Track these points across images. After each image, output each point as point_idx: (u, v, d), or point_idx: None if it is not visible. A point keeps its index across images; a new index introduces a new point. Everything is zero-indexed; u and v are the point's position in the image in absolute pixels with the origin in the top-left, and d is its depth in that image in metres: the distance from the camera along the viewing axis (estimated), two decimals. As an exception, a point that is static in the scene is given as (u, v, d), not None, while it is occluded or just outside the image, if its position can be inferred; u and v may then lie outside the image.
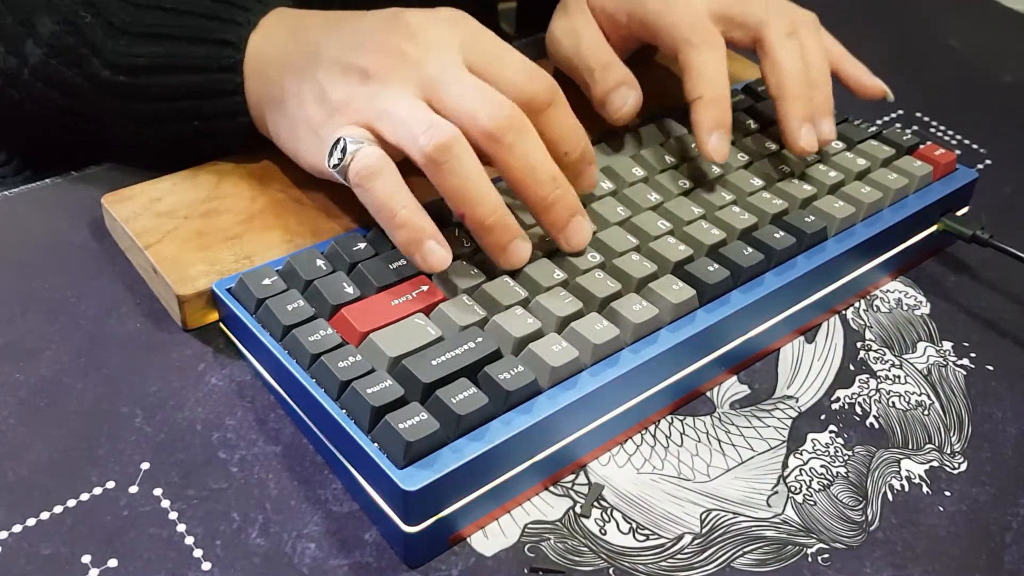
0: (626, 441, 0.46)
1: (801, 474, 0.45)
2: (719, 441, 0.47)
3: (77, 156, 0.57)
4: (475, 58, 0.47)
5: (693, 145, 0.56)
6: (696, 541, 0.42)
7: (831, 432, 0.47)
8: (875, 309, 0.54)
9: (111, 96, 0.52)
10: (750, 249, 0.49)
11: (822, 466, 0.46)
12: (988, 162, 0.66)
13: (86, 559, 0.39)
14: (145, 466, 0.43)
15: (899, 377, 0.50)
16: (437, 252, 0.44)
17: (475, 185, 0.44)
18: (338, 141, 0.45)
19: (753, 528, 0.43)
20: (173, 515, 0.41)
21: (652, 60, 0.66)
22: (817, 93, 0.55)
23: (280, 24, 0.51)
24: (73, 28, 0.51)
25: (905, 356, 0.52)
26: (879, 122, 0.68)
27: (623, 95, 0.55)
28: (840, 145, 0.58)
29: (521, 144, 0.45)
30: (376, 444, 0.39)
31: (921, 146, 0.58)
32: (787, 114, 0.54)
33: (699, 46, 0.53)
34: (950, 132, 0.69)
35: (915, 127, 0.69)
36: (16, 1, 0.52)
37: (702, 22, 0.54)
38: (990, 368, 0.51)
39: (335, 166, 0.45)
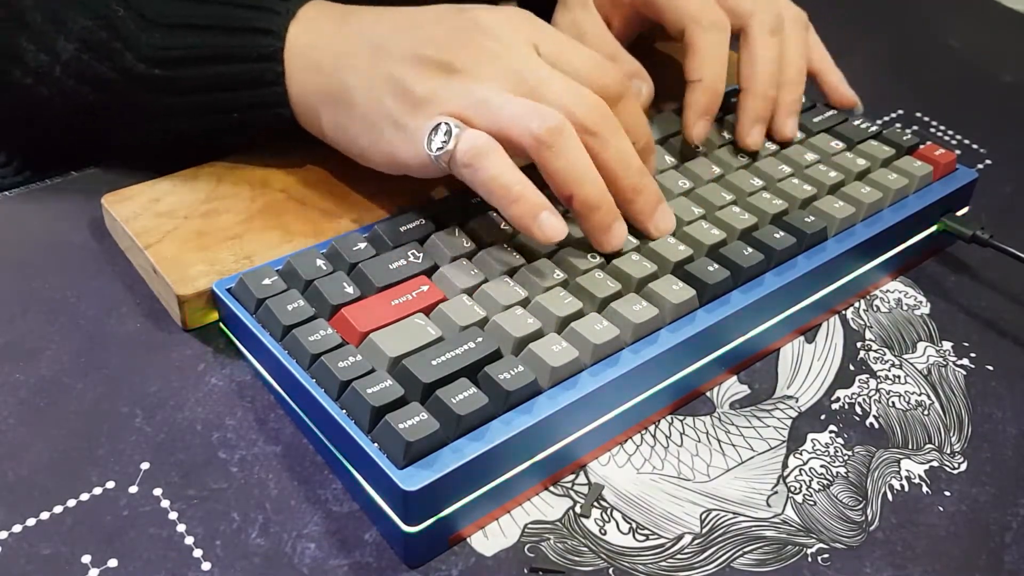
0: (626, 441, 0.46)
1: (801, 474, 0.45)
2: (719, 441, 0.47)
3: (77, 156, 0.57)
4: (548, 53, 0.48)
5: (693, 145, 0.56)
6: (696, 541, 0.42)
7: (831, 432, 0.47)
8: (875, 309, 0.54)
9: (146, 90, 0.51)
10: (750, 249, 0.49)
11: (822, 466, 0.46)
12: (988, 162, 0.66)
13: (86, 559, 0.39)
14: (145, 466, 0.43)
15: (899, 377, 0.50)
16: (552, 222, 0.45)
17: (583, 167, 0.46)
18: (439, 126, 0.45)
19: (753, 528, 0.43)
20: (173, 515, 0.41)
21: (654, 52, 0.65)
22: (789, 92, 0.57)
23: (323, 16, 0.51)
24: (105, 22, 0.50)
25: (905, 356, 0.52)
26: (879, 122, 0.68)
27: (635, 86, 0.56)
28: (840, 145, 0.58)
29: (613, 137, 0.47)
30: (376, 444, 0.39)
31: (921, 146, 0.58)
32: (745, 109, 0.56)
33: (707, 27, 0.54)
34: (950, 132, 0.69)
35: (915, 127, 0.69)
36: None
37: (710, 3, 0.55)
38: (990, 368, 0.51)
39: (439, 149, 0.45)
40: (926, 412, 0.49)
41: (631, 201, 0.48)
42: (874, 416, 0.48)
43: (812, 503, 0.44)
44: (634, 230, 0.50)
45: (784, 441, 0.47)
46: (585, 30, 0.58)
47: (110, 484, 0.42)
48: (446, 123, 0.45)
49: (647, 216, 0.49)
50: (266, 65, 0.50)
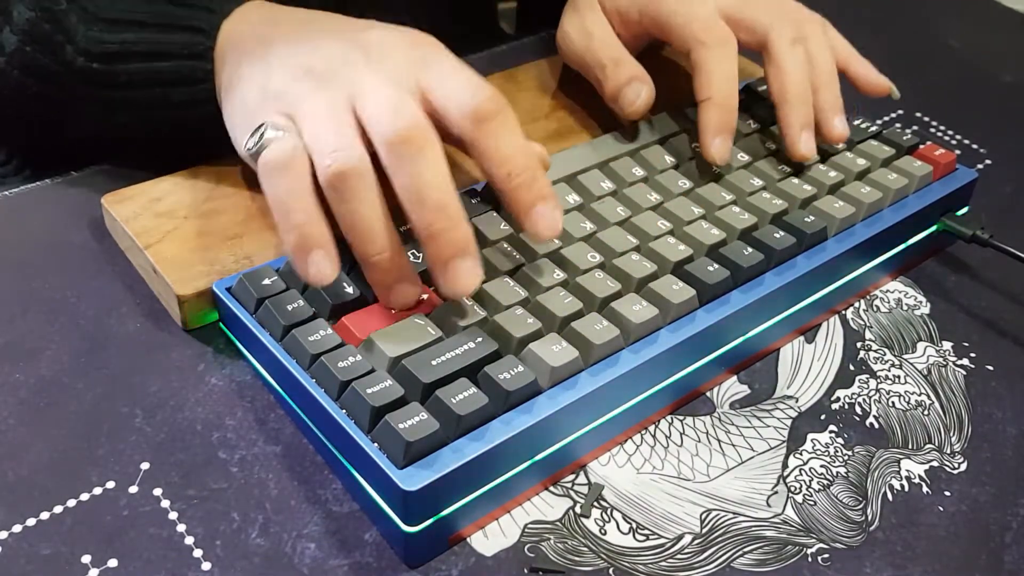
0: (626, 441, 0.46)
1: (801, 474, 0.45)
2: (719, 441, 0.47)
3: (77, 156, 0.57)
4: (426, 80, 0.45)
5: (693, 145, 0.56)
6: (696, 541, 0.42)
7: (831, 432, 0.47)
8: (875, 309, 0.54)
9: (85, 83, 0.52)
10: (750, 249, 0.49)
11: (822, 466, 0.46)
12: (988, 162, 0.66)
13: (86, 559, 0.39)
14: (145, 466, 0.43)
15: (899, 377, 0.50)
16: (321, 265, 0.42)
17: (367, 219, 0.42)
18: (260, 126, 0.44)
19: (753, 528, 0.43)
20: (173, 515, 0.41)
21: (659, 56, 0.66)
22: (826, 93, 0.55)
23: (254, 14, 0.51)
24: (48, 15, 0.51)
25: (905, 356, 0.52)
26: (879, 122, 0.68)
27: (635, 90, 0.56)
28: (840, 145, 0.58)
29: (414, 158, 0.42)
30: (376, 444, 0.39)
31: (921, 146, 0.58)
32: (787, 120, 0.54)
33: (712, 46, 0.54)
34: (950, 132, 0.69)
35: (915, 127, 0.69)
36: None
37: (716, 21, 0.55)
38: (990, 368, 0.51)
39: (249, 150, 0.44)
40: (926, 412, 0.49)
41: (423, 242, 0.42)
42: (874, 416, 0.48)
43: (812, 503, 0.44)
44: (634, 234, 0.50)
45: (784, 441, 0.47)
46: (592, 33, 0.58)
47: (110, 484, 0.42)
48: (267, 124, 0.44)
49: (440, 265, 0.42)
50: (196, 63, 0.50)
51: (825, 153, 0.57)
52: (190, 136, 0.53)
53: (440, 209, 0.41)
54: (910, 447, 0.47)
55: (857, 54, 0.59)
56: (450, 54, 0.47)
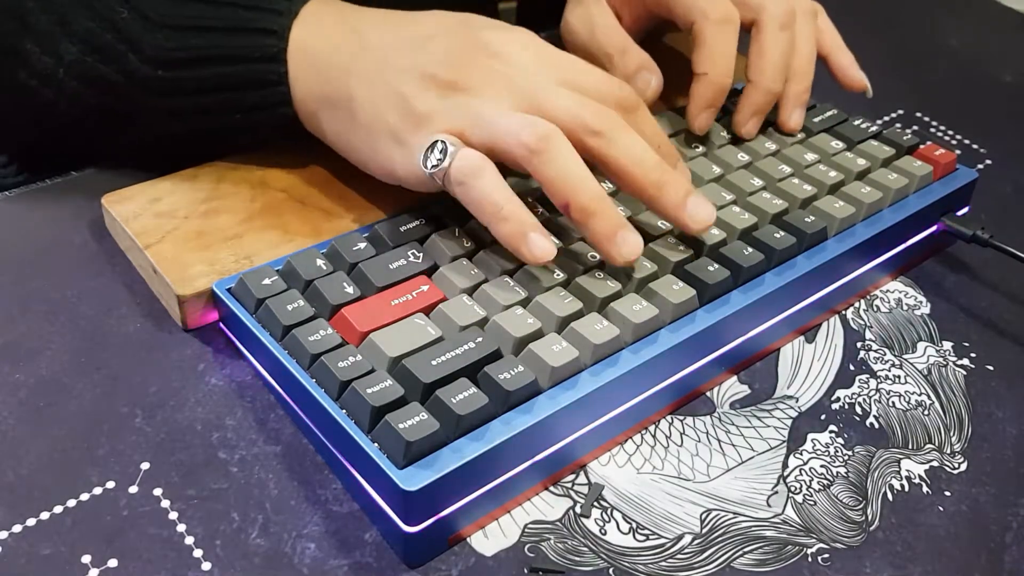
0: (626, 441, 0.46)
1: (801, 474, 0.45)
2: (719, 441, 0.47)
3: (78, 157, 0.57)
4: (561, 72, 0.48)
5: (693, 144, 0.56)
6: (696, 541, 0.42)
7: (831, 432, 0.47)
8: (875, 309, 0.54)
9: (150, 91, 0.51)
10: (750, 249, 0.49)
11: (822, 466, 0.46)
12: (988, 162, 0.66)
13: (86, 559, 0.39)
14: (145, 466, 0.43)
15: (899, 377, 0.50)
16: (541, 243, 0.45)
17: (576, 172, 0.45)
18: (435, 143, 0.45)
19: (753, 528, 0.43)
20: (173, 515, 0.41)
21: (659, 47, 0.66)
22: (796, 85, 0.57)
23: (327, 17, 0.51)
24: (109, 24, 0.50)
25: (905, 356, 0.52)
26: (879, 122, 0.68)
27: (644, 79, 0.56)
28: (840, 145, 0.58)
29: (621, 135, 0.46)
30: (376, 444, 0.39)
31: (921, 146, 0.58)
32: (747, 100, 0.57)
33: (716, 21, 0.55)
34: (950, 132, 0.69)
35: (915, 127, 0.69)
36: (51, 1, 0.51)
37: None
38: (990, 368, 0.51)
39: (434, 166, 0.45)
40: (926, 412, 0.49)
41: (655, 198, 0.47)
42: (874, 416, 0.48)
43: (812, 503, 0.44)
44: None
45: (784, 441, 0.47)
46: (596, 23, 0.59)
47: (110, 484, 0.42)
48: (442, 141, 0.45)
49: (679, 209, 0.47)
50: (269, 66, 0.50)
51: (825, 153, 0.57)
52: (250, 139, 0.53)
53: (659, 164, 0.47)
54: (910, 447, 0.47)
55: (843, 45, 0.60)
56: (558, 49, 0.50)
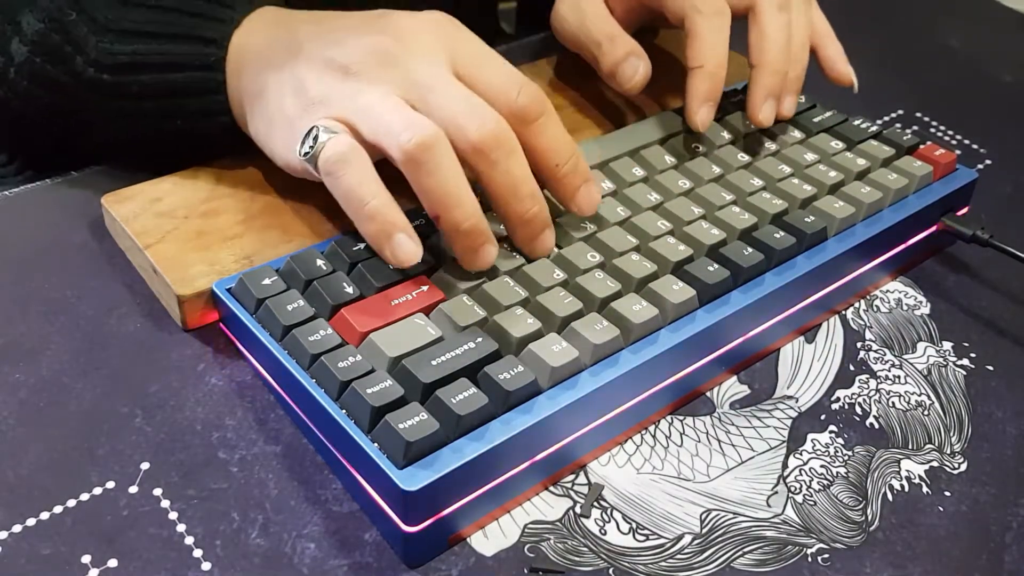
0: (626, 441, 0.46)
1: (801, 474, 0.45)
2: (719, 441, 0.47)
3: (78, 157, 0.57)
4: (463, 64, 0.46)
5: (694, 145, 0.56)
6: (696, 541, 0.42)
7: (831, 432, 0.47)
8: (875, 309, 0.54)
9: (95, 94, 0.52)
10: (750, 249, 0.49)
11: (822, 466, 0.46)
12: (988, 162, 0.66)
13: (86, 559, 0.39)
14: (145, 466, 0.43)
15: (899, 377, 0.50)
16: (406, 246, 0.44)
17: (454, 188, 0.43)
18: (311, 130, 0.45)
19: (753, 528, 0.43)
20: (173, 515, 0.41)
21: (653, 49, 0.66)
22: (791, 69, 0.57)
23: (264, 21, 0.51)
24: (58, 26, 0.51)
25: (905, 356, 0.52)
26: (879, 122, 0.68)
27: (633, 65, 0.56)
28: (840, 145, 0.58)
29: (506, 160, 0.44)
30: (376, 444, 0.39)
31: (921, 146, 0.58)
32: (758, 84, 0.56)
33: (708, 15, 0.55)
34: (950, 132, 0.69)
35: (915, 127, 0.69)
36: (4, 0, 0.52)
37: None
38: (990, 368, 0.51)
39: (306, 154, 0.44)
40: (926, 412, 0.49)
41: (519, 226, 0.46)
42: (874, 416, 0.48)
43: (812, 503, 0.44)
44: (634, 234, 0.50)
45: (784, 441, 0.47)
46: (586, 11, 0.59)
47: (110, 484, 0.42)
48: (319, 127, 0.44)
49: (528, 241, 0.47)
50: (208, 74, 0.50)
51: (825, 153, 0.57)
52: (200, 145, 0.53)
53: (532, 197, 0.46)
54: (910, 447, 0.47)
55: (834, 36, 0.60)
56: (474, 37, 0.48)
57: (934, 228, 0.57)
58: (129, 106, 0.52)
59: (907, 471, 0.46)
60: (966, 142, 0.68)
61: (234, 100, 0.51)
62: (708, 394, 0.49)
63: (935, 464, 0.46)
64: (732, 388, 0.49)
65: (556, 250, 0.48)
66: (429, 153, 0.43)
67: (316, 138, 0.44)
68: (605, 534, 0.42)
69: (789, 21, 0.56)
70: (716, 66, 0.54)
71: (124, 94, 0.51)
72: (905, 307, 0.55)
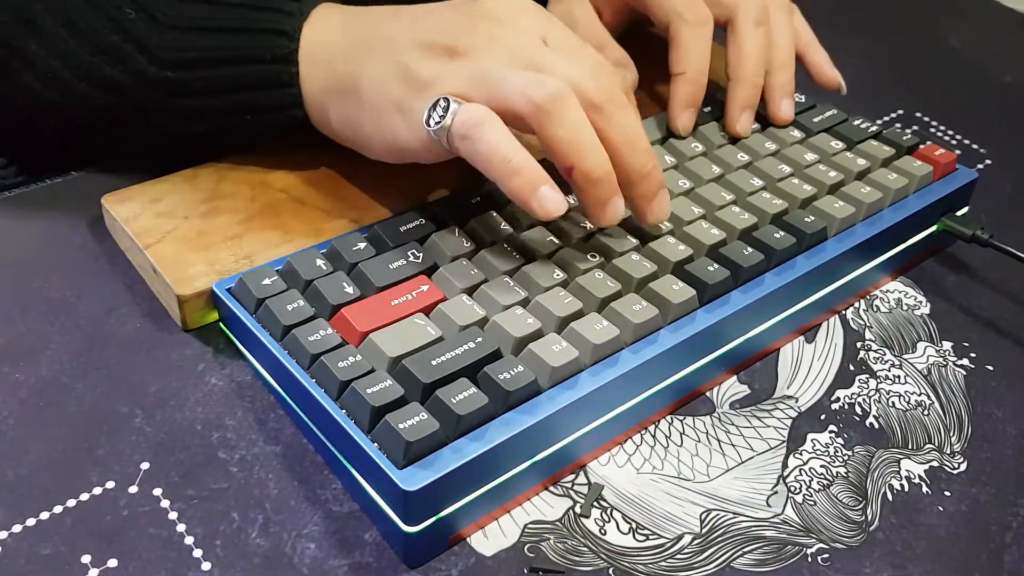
0: (626, 441, 0.46)
1: (801, 474, 0.45)
2: (719, 441, 0.47)
3: (79, 160, 0.57)
4: (556, 46, 0.48)
5: (693, 145, 0.56)
6: (696, 541, 0.42)
7: (831, 432, 0.47)
8: (875, 309, 0.54)
9: (158, 92, 0.51)
10: (750, 249, 0.49)
11: (822, 466, 0.46)
12: (988, 162, 0.66)
13: (86, 559, 0.39)
14: (145, 466, 0.43)
15: (899, 377, 0.50)
16: (552, 196, 0.44)
17: (588, 136, 0.45)
18: (437, 102, 0.45)
19: (753, 528, 0.43)
20: (173, 515, 0.41)
21: (652, 51, 0.66)
22: (780, 76, 0.58)
23: (333, 16, 0.51)
24: (116, 25, 0.50)
25: (905, 356, 0.52)
26: (879, 122, 0.68)
27: (619, 75, 0.57)
28: (840, 145, 0.58)
29: (621, 113, 0.46)
30: (376, 444, 0.39)
31: (921, 146, 0.58)
32: (733, 97, 0.58)
33: (691, 23, 0.56)
34: (950, 132, 0.69)
35: (915, 127, 0.69)
36: (56, 1, 0.51)
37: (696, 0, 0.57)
38: (990, 368, 0.51)
39: (437, 123, 0.45)
40: (926, 412, 0.49)
41: (635, 183, 0.47)
42: (874, 416, 0.48)
43: (812, 503, 0.44)
44: (634, 234, 0.50)
45: (784, 441, 0.47)
46: (576, 18, 0.60)
47: (110, 484, 0.42)
48: (444, 99, 0.45)
49: (647, 201, 0.48)
50: (281, 67, 0.50)
51: (825, 153, 0.57)
52: (260, 140, 0.53)
53: (649, 152, 0.47)
54: (910, 447, 0.47)
55: (817, 43, 0.61)
56: (561, 23, 0.49)
57: (934, 228, 0.57)
58: (194, 103, 0.51)
59: (907, 471, 0.46)
60: (966, 142, 0.68)
61: (310, 95, 0.50)
62: (708, 394, 0.49)
63: (935, 464, 0.46)
64: (732, 388, 0.49)
65: (556, 251, 0.48)
66: (560, 104, 0.44)
67: (446, 108, 0.44)
68: (605, 534, 0.42)
69: (768, 34, 0.58)
70: (697, 73, 0.56)
71: (189, 91, 0.51)
72: (905, 307, 0.55)
